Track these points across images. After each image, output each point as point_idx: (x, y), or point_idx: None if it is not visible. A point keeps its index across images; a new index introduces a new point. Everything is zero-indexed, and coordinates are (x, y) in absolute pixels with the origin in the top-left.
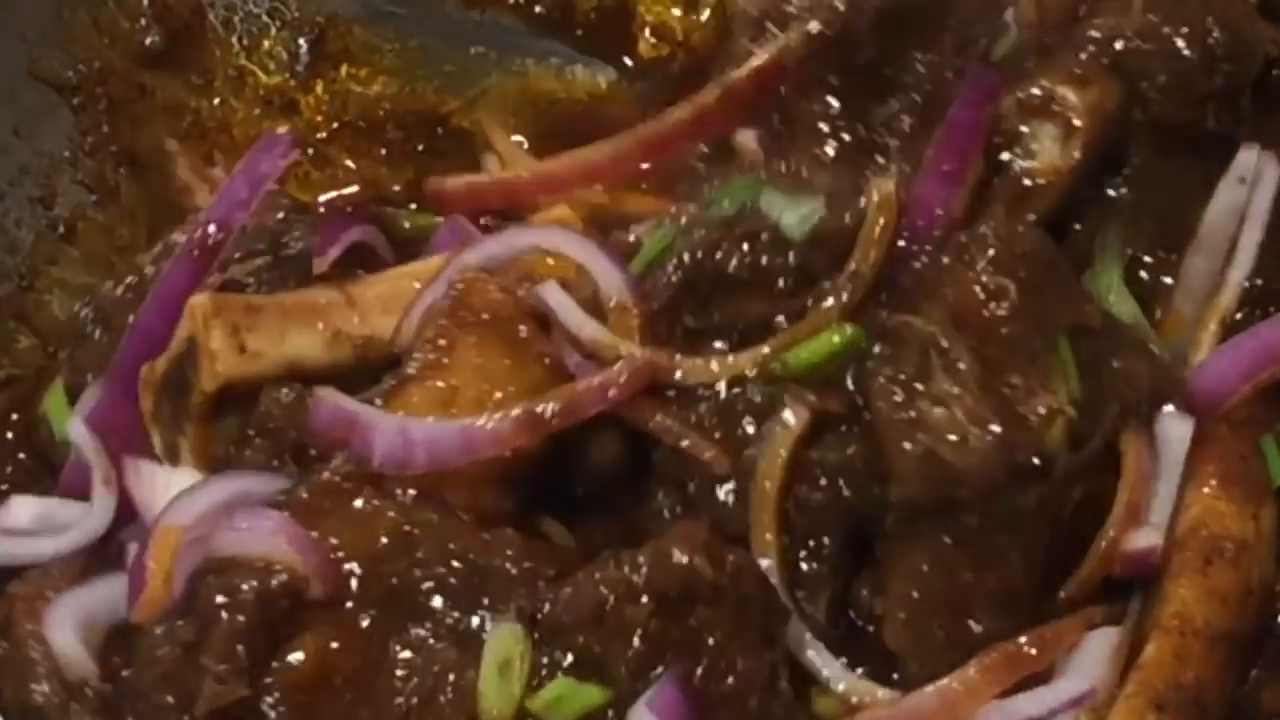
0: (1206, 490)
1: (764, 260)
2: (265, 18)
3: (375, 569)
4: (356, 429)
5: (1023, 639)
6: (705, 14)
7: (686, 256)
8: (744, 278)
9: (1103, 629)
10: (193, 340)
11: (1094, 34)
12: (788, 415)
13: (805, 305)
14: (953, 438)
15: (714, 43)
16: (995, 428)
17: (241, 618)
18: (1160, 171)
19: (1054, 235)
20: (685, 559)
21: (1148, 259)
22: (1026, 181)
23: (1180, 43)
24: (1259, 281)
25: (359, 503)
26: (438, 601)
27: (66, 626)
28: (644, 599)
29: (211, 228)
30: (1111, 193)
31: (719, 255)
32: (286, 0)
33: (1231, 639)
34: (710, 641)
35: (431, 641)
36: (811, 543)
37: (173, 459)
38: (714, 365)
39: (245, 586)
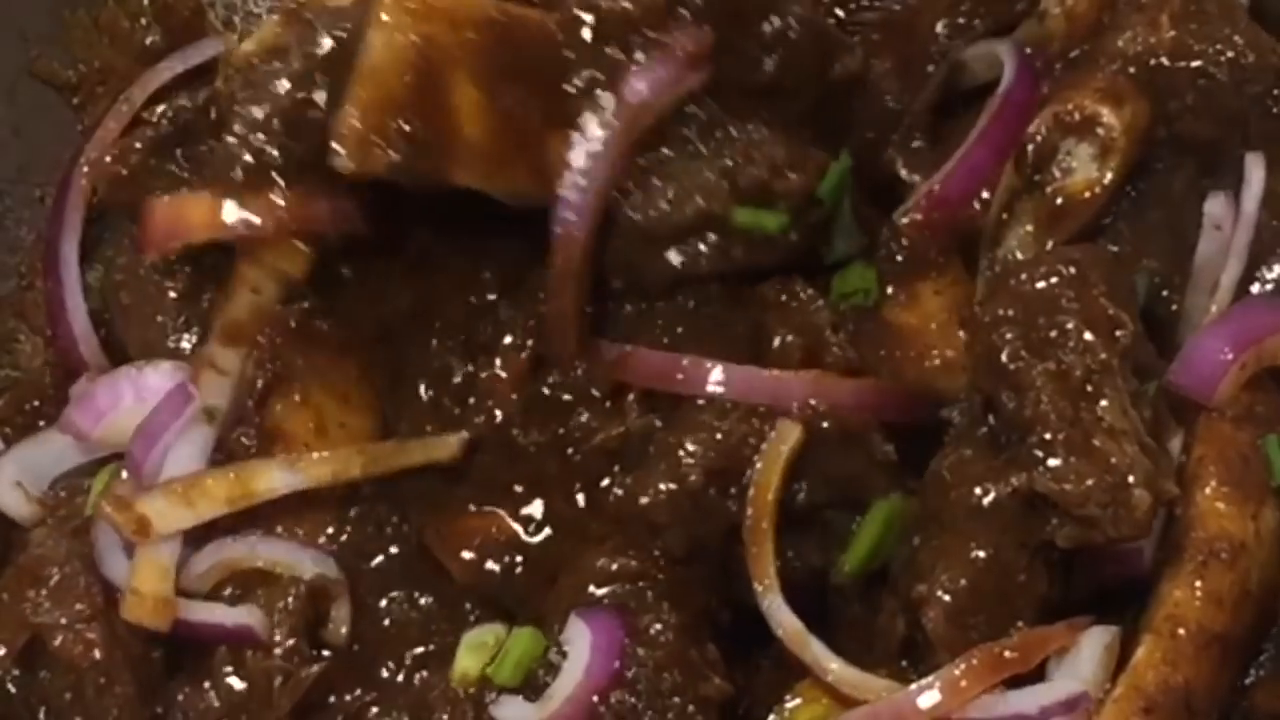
0: (1206, 491)
1: None
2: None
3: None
4: None
5: (1006, 642)
6: None
7: None
8: None
9: (1097, 629)
10: None
11: (1123, 49)
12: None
13: None
14: (1138, 499)
15: None
16: (1152, 503)
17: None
18: (1170, 191)
19: None
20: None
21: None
22: (1059, 200)
23: (1210, 62)
24: None
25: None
26: None
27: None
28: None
29: None
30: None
31: None
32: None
33: (1226, 641)
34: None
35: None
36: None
37: None
38: None
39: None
